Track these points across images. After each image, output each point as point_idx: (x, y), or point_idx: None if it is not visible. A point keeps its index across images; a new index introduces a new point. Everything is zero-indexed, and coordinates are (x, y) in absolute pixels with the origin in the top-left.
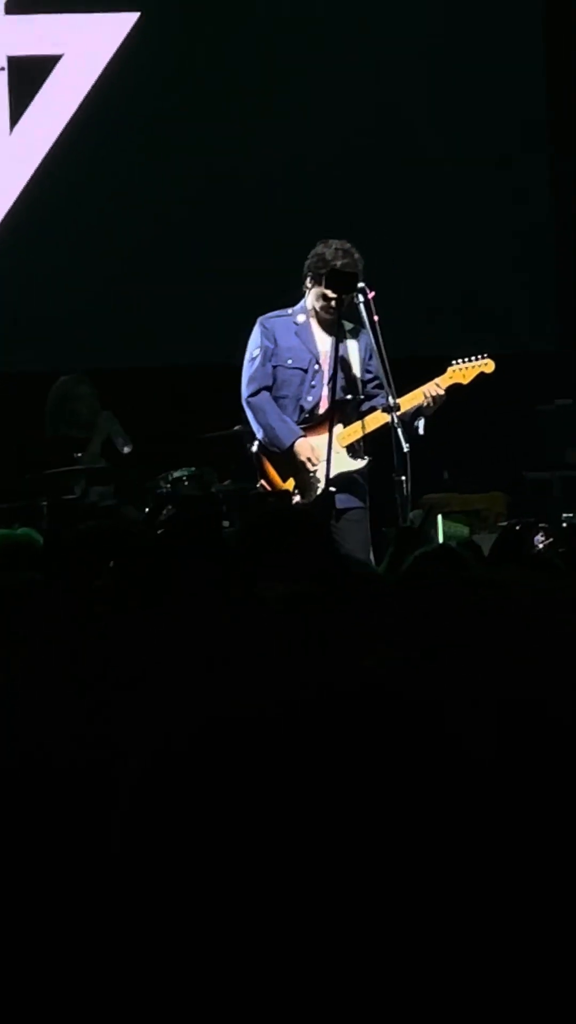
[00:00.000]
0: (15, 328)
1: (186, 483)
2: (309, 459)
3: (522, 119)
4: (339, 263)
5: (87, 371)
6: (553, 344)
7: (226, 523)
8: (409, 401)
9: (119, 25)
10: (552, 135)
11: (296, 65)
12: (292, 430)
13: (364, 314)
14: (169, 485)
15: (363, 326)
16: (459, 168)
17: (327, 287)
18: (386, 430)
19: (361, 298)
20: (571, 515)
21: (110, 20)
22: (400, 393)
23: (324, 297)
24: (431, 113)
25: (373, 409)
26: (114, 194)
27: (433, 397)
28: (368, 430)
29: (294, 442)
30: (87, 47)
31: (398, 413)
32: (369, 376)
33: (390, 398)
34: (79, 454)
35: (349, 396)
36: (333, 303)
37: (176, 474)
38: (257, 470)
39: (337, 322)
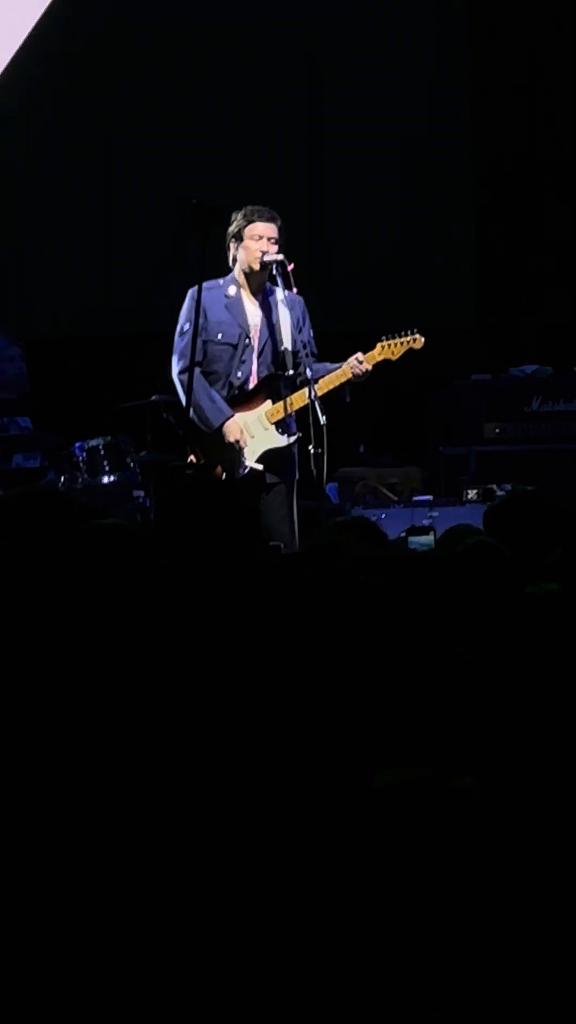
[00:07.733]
0: None
1: (101, 452)
2: (238, 440)
3: (445, 97)
4: (255, 218)
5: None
6: (471, 321)
7: (140, 493)
8: (335, 380)
9: None
10: (474, 114)
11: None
12: (221, 410)
13: (282, 285)
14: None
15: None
16: (384, 144)
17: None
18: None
19: (280, 270)
20: (476, 491)
21: None
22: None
23: (246, 252)
24: (356, 90)
25: (305, 383)
26: (43, 151)
27: (358, 374)
28: (295, 407)
29: (223, 423)
30: None
31: (321, 393)
32: (299, 347)
33: (308, 370)
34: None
35: (279, 371)
36: (259, 255)
37: (92, 443)
38: (188, 444)
39: (260, 288)
